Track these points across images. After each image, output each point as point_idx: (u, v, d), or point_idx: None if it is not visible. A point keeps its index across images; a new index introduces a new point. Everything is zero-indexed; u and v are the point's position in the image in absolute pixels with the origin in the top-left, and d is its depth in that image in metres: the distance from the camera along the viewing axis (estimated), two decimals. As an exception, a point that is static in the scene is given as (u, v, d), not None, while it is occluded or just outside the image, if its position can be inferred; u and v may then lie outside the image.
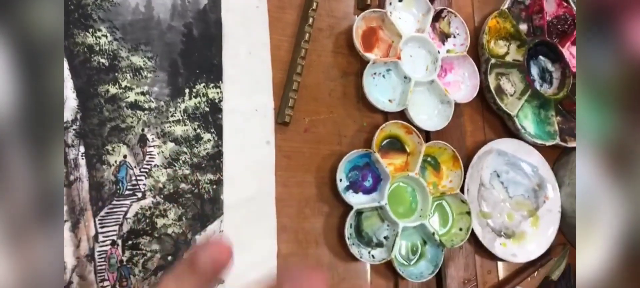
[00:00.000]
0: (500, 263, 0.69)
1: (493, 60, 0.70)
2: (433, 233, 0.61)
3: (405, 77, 0.64)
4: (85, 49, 0.51)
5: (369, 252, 0.59)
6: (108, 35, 0.52)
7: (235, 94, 0.57)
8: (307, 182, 0.60)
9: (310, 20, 0.61)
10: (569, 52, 0.77)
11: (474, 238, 0.66)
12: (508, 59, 0.74)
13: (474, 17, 0.75)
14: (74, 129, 0.49)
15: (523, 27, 0.75)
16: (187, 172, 0.53)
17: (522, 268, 0.69)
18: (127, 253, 0.49)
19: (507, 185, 0.71)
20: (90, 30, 0.51)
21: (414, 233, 0.63)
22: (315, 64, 0.63)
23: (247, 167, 0.56)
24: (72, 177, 0.49)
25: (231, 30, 0.58)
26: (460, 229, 0.64)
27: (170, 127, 0.53)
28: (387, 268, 0.61)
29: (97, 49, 0.52)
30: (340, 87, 0.64)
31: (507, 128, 0.72)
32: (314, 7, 0.62)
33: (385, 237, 0.61)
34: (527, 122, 0.72)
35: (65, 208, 0.48)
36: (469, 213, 0.64)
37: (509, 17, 0.73)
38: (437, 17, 0.70)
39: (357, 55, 0.65)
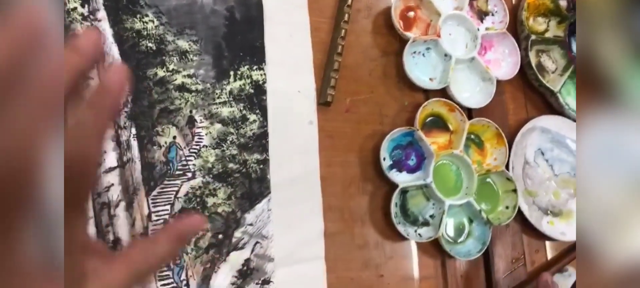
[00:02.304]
0: (548, 242, 0.67)
1: (533, 37, 0.69)
2: (480, 211, 0.60)
3: (445, 55, 0.64)
4: (134, 34, 0.52)
5: (416, 231, 0.59)
6: (154, 20, 0.53)
7: (278, 76, 0.58)
8: (351, 161, 0.60)
9: (349, 1, 0.62)
10: (611, 26, 0.75)
11: (520, 217, 0.65)
12: (548, 35, 0.73)
13: (511, -6, 0.74)
14: (125, 111, 0.50)
15: (562, 2, 0.74)
16: (235, 152, 0.53)
17: (572, 247, 0.67)
18: (180, 232, 0.50)
19: (552, 163, 0.69)
20: (138, 15, 0.53)
21: (460, 211, 0.62)
22: (355, 44, 0.63)
23: (292, 147, 0.56)
24: (124, 158, 0.50)
25: (271, 13, 0.59)
26: (507, 207, 0.63)
27: (216, 108, 0.54)
28: (434, 247, 0.60)
29: (145, 33, 0.53)
30: (380, 66, 0.64)
31: (549, 105, 0.71)
32: (352, -13, 0.62)
33: (431, 216, 0.60)
34: (571, 99, 0.71)
35: (120, 188, 0.49)
36: (515, 191, 0.63)
37: (548, -8, 0.72)
38: (475, -5, 0.69)
39: (395, 34, 0.65)
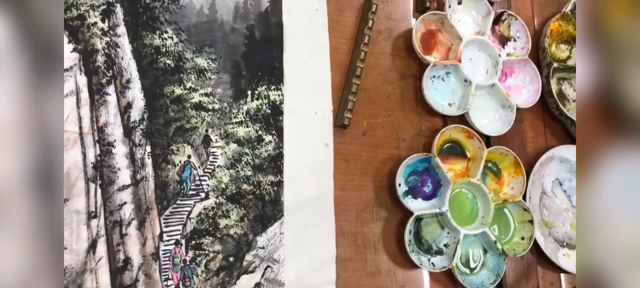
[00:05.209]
0: (563, 275, 0.66)
1: (555, 64, 0.68)
2: (495, 242, 0.59)
3: (465, 80, 0.63)
4: (153, 51, 0.52)
5: (429, 260, 0.58)
6: (174, 36, 0.53)
7: (295, 96, 0.57)
8: (365, 186, 0.59)
9: (370, 22, 0.61)
10: (635, 56, 0.73)
11: (536, 248, 0.63)
12: (570, 63, 0.71)
13: (533, 19, 0.73)
14: (141, 129, 0.50)
15: (586, 30, 0.73)
16: (249, 173, 0.53)
17: (587, 281, 0.66)
18: (191, 253, 0.49)
19: (570, 194, 0.68)
20: (158, 32, 0.52)
21: (474, 241, 0.61)
22: (374, 66, 0.62)
23: (307, 170, 0.56)
24: (138, 176, 0.49)
25: (292, 33, 0.58)
26: (523, 238, 0.62)
27: (233, 128, 0.53)
28: (447, 277, 0.59)
29: (164, 50, 0.52)
30: (398, 90, 0.63)
31: (569, 134, 0.70)
32: (373, 9, 0.61)
33: (445, 245, 0.59)
34: (591, 129, 0.69)
35: (132, 206, 0.48)
36: (531, 221, 0.62)
37: (572, 19, 0.70)
38: (497, 20, 0.68)
39: (415, 58, 0.64)
